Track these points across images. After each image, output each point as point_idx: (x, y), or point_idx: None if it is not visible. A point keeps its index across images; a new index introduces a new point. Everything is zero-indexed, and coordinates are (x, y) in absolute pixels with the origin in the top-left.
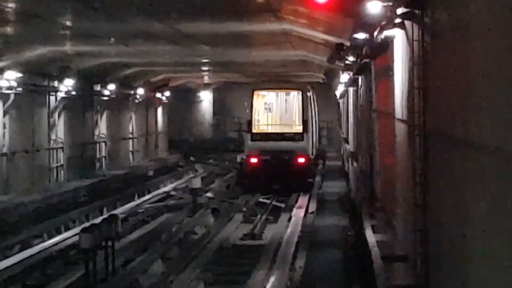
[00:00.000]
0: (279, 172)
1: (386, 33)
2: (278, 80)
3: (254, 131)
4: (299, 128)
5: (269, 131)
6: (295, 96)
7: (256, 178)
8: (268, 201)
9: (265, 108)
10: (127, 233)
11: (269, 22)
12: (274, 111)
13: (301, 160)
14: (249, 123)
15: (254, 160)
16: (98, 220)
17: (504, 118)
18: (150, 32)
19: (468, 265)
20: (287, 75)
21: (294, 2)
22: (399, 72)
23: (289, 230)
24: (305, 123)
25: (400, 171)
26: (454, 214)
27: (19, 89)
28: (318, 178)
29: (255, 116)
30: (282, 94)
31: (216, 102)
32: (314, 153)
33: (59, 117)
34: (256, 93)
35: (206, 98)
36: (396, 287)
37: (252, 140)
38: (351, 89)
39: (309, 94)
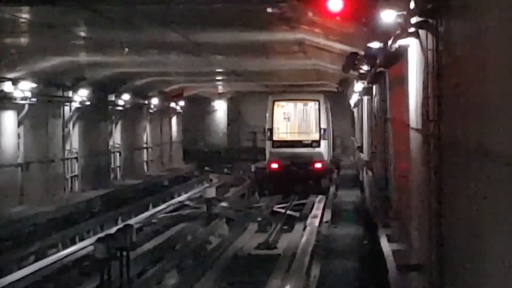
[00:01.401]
0: (298, 176)
1: (400, 42)
2: (296, 91)
3: (275, 138)
4: (316, 136)
5: (289, 138)
6: (312, 107)
7: (278, 182)
8: (282, 211)
9: (284, 118)
10: (141, 243)
11: (283, 32)
12: (293, 120)
13: (318, 165)
14: (270, 131)
15: (275, 165)
16: (112, 230)
17: None
18: (164, 42)
19: (483, 275)
20: (301, 85)
21: (308, 12)
22: (414, 81)
23: (304, 239)
24: (321, 131)
25: (415, 180)
26: (469, 224)
27: (34, 99)
28: (332, 188)
29: (275, 125)
30: (300, 104)
31: (230, 112)
32: (330, 159)
33: (73, 127)
34: (276, 103)
35: (220, 108)
36: None
37: (273, 147)
38: (365, 98)
39: (325, 104)
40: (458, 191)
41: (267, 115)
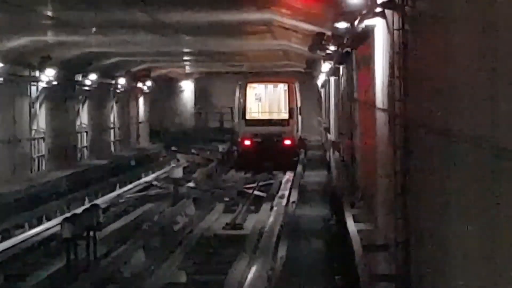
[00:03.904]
0: (269, 152)
1: (367, 22)
2: (268, 73)
3: (247, 117)
4: (285, 115)
5: (260, 117)
6: (282, 88)
7: (250, 158)
8: (250, 191)
9: (256, 98)
10: (108, 223)
11: (250, 12)
12: (264, 100)
13: (288, 142)
14: (243, 111)
15: (247, 142)
16: (79, 210)
17: (483, 107)
18: (131, 22)
19: (447, 254)
20: (269, 65)
21: None
22: (380, 61)
23: (271, 219)
24: (290, 110)
25: (381, 160)
26: (434, 202)
27: (0, 79)
28: (299, 168)
29: (248, 105)
30: (271, 86)
31: (197, 92)
32: (298, 137)
33: (40, 107)
34: (249, 85)
35: (187, 88)
36: (377, 276)
37: (245, 125)
38: (332, 79)
39: (294, 85)
40: (423, 170)
41: (239, 96)
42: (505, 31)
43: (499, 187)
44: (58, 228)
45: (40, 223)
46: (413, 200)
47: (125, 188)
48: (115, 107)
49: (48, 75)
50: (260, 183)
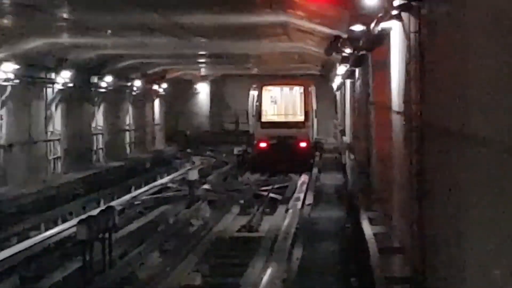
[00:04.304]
0: (284, 154)
1: (383, 25)
2: (283, 75)
3: (263, 120)
4: (301, 118)
5: (276, 120)
6: (297, 91)
7: (265, 160)
8: (265, 193)
9: (272, 101)
10: (124, 225)
11: (266, 14)
12: (280, 103)
13: (303, 144)
14: (259, 113)
15: (263, 144)
16: (95, 212)
17: (501, 110)
18: (147, 24)
19: (464, 257)
20: (284, 68)
21: None
22: (396, 64)
23: (286, 222)
24: (306, 113)
25: (397, 163)
26: (450, 205)
27: (16, 81)
28: (315, 170)
29: (264, 108)
30: (287, 88)
31: (213, 94)
32: (313, 140)
33: (56, 109)
34: (264, 88)
35: (203, 90)
36: (392, 279)
37: (261, 127)
38: (348, 81)
39: (310, 88)
40: (440, 173)
41: (254, 98)
42: None
43: None
44: (73, 230)
45: (55, 225)
46: (429, 203)
47: (141, 190)
48: (130, 109)
49: (64, 77)
50: (276, 186)
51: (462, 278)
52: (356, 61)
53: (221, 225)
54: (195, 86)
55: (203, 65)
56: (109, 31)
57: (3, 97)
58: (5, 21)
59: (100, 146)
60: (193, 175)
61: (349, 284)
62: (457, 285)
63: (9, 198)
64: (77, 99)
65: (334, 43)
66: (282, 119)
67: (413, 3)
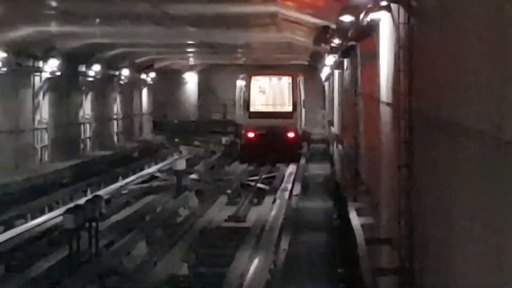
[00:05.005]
0: (272, 145)
1: (372, 16)
2: (271, 66)
3: (251, 110)
4: (289, 108)
5: (264, 110)
6: (286, 81)
7: (253, 150)
8: (252, 183)
9: (260, 91)
10: (111, 214)
11: (256, 4)
12: (268, 93)
13: (291, 134)
14: (247, 103)
15: (251, 134)
16: (82, 201)
17: (490, 101)
18: (135, 13)
19: (451, 249)
20: (273, 58)
21: None
22: (385, 55)
23: (273, 212)
24: (294, 103)
25: (385, 154)
26: (438, 197)
27: (4, 69)
28: (303, 161)
29: (252, 98)
30: (275, 79)
31: (201, 84)
32: (301, 130)
33: (43, 97)
34: (253, 78)
35: (191, 80)
36: (379, 270)
37: (249, 117)
38: (336, 72)
39: (298, 79)
40: (428, 164)
41: (242, 88)
42: None
43: (505, 182)
44: (60, 218)
45: (42, 213)
46: (417, 194)
47: (128, 180)
48: (118, 99)
49: (52, 65)
50: (263, 176)
51: (450, 269)
52: (345, 51)
53: (209, 215)
54: (183, 75)
55: (192, 54)
56: (98, 20)
57: None
58: None
59: (88, 135)
60: (181, 165)
61: (336, 275)
62: (444, 276)
63: None
64: (64, 87)
65: (322, 34)
66: (270, 109)
67: None
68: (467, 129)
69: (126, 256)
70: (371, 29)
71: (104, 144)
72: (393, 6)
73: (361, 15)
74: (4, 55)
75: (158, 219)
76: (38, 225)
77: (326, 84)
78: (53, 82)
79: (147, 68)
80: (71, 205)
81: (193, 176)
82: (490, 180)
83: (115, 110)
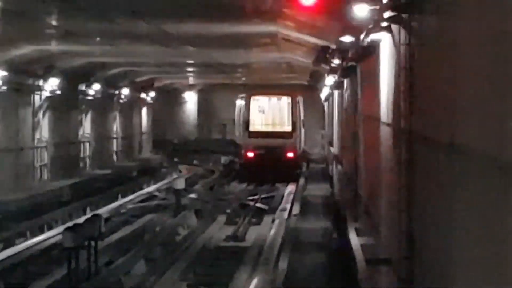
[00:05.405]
0: (271, 164)
1: (373, 36)
2: (271, 86)
3: (250, 129)
4: (288, 128)
5: (263, 130)
6: (285, 101)
7: (252, 169)
8: (252, 203)
9: (259, 111)
10: (110, 233)
11: (255, 24)
12: (268, 113)
13: (290, 154)
14: (247, 123)
15: (250, 154)
16: (81, 219)
17: (490, 122)
18: (135, 32)
19: (452, 270)
20: (273, 78)
21: (280, 5)
22: (385, 76)
23: (272, 232)
24: (293, 123)
25: (384, 174)
26: (439, 218)
27: (4, 87)
28: (302, 180)
29: (251, 117)
30: (275, 98)
31: (200, 103)
32: (301, 150)
33: (43, 116)
34: (252, 97)
35: (190, 99)
36: None
37: (249, 137)
38: (336, 92)
39: (297, 99)
40: (428, 185)
41: (241, 108)
42: None
43: (506, 203)
44: (59, 237)
45: (41, 232)
46: (417, 215)
47: (127, 199)
48: (118, 117)
49: (52, 84)
50: (262, 196)
51: None
52: (345, 72)
53: (208, 234)
54: (182, 95)
55: (191, 74)
56: (98, 39)
57: None
58: None
59: (87, 153)
60: (180, 184)
61: None
62: None
63: None
64: (64, 106)
65: (322, 54)
66: (269, 129)
67: (403, 15)
68: (467, 150)
69: (125, 275)
70: (372, 50)
71: (104, 162)
72: (394, 27)
73: (362, 36)
74: (5, 73)
75: (157, 238)
76: (38, 243)
77: (326, 104)
78: (53, 101)
79: (147, 87)
80: (70, 223)
81: (192, 195)
82: (491, 201)
83: (114, 129)
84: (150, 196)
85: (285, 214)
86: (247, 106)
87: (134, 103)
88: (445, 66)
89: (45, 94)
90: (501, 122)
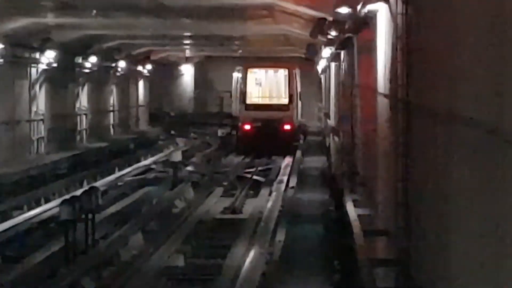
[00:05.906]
0: (268, 137)
1: (370, 7)
2: (268, 58)
3: (247, 102)
4: (285, 100)
5: (260, 102)
6: (282, 73)
7: (249, 142)
8: (248, 175)
9: (256, 83)
10: (107, 206)
11: None
12: (265, 85)
13: (287, 127)
14: (244, 95)
15: (247, 126)
16: (78, 192)
17: (488, 91)
18: (132, 5)
19: (449, 239)
20: (269, 50)
21: None
22: (382, 46)
23: (269, 204)
24: (290, 96)
25: (381, 146)
26: (436, 188)
27: (0, 60)
28: (299, 153)
29: (248, 90)
30: (271, 71)
31: (197, 76)
32: (298, 122)
33: (40, 89)
34: (249, 70)
35: (187, 72)
36: (377, 261)
37: (246, 109)
38: (333, 64)
39: (294, 71)
40: (425, 156)
41: (238, 81)
42: None
43: (504, 174)
44: (56, 210)
45: (38, 205)
46: (414, 186)
47: (124, 171)
48: (115, 90)
49: (48, 57)
50: (259, 168)
51: (447, 261)
52: (342, 43)
53: (205, 206)
54: (179, 67)
55: (188, 46)
56: (94, 11)
57: None
58: None
59: (84, 126)
60: (177, 157)
61: (333, 266)
62: (442, 268)
63: None
64: (61, 79)
65: (319, 26)
66: (266, 101)
67: None
68: (465, 121)
69: (123, 247)
70: (369, 21)
71: (100, 135)
72: None
73: (358, 7)
74: (1, 46)
75: (155, 211)
76: (35, 216)
77: (323, 77)
78: (49, 74)
79: (144, 60)
80: (67, 196)
81: (189, 168)
82: (489, 170)
83: (111, 101)
84: (147, 169)
85: (282, 187)
86: (244, 78)
87: (131, 76)
88: (442, 35)
89: (42, 67)
90: (500, 92)
